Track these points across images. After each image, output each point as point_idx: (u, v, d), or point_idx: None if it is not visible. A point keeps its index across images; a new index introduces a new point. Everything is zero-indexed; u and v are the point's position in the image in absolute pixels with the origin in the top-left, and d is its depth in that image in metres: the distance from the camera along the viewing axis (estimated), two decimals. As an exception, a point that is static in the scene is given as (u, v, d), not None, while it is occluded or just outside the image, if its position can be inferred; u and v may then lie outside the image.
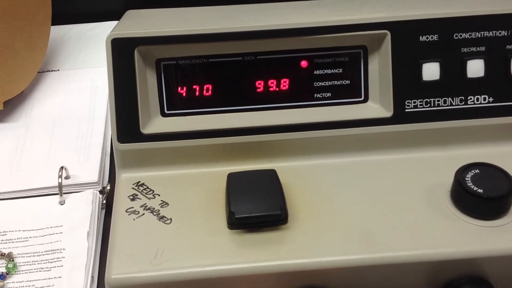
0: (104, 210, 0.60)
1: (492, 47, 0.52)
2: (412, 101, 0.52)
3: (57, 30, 0.84)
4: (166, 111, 0.53)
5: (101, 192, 0.61)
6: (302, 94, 0.54)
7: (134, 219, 0.48)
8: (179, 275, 0.44)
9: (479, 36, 0.52)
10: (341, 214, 0.48)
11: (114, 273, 0.44)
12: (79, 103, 0.73)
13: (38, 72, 0.77)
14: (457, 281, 0.46)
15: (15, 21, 0.70)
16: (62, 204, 0.60)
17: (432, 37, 0.52)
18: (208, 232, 0.47)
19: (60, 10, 0.80)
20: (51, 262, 0.54)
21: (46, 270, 0.54)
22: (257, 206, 0.46)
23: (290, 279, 0.45)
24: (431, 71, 0.52)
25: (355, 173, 0.52)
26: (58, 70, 0.79)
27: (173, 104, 0.53)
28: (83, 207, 0.59)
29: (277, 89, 0.53)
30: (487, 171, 0.48)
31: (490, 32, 0.52)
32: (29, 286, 0.53)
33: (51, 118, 0.71)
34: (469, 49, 0.52)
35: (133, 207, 0.49)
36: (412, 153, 0.53)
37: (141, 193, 0.51)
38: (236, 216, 0.46)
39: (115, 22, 0.79)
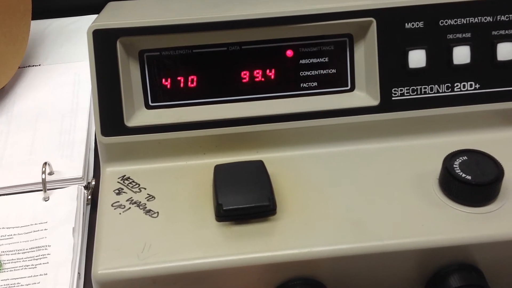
0: (89, 206, 0.60)
1: (477, 33, 0.52)
2: (399, 89, 0.52)
3: (37, 25, 0.83)
4: (150, 103, 0.53)
5: (86, 187, 0.61)
6: (288, 83, 0.53)
7: (120, 213, 0.48)
8: (167, 269, 0.44)
9: (465, 22, 0.52)
10: (330, 204, 0.48)
11: (100, 268, 0.43)
12: (61, 98, 0.72)
13: (19, 67, 0.75)
14: (447, 268, 0.46)
15: (-6, 16, 0.69)
16: (46, 201, 0.59)
17: (417, 24, 0.52)
18: (196, 224, 0.46)
19: (40, 4, 0.79)
20: (37, 259, 0.54)
21: (32, 268, 0.53)
22: (245, 197, 0.46)
23: (280, 270, 0.45)
24: (417, 58, 0.52)
25: (343, 162, 0.52)
26: (39, 65, 0.77)
27: (157, 96, 0.52)
28: (68, 203, 0.58)
29: (263, 79, 0.53)
30: (475, 157, 0.48)
31: (476, 18, 0.52)
32: (15, 284, 0.52)
33: (34, 113, 0.70)
34: (454, 36, 0.52)
35: (119, 201, 0.49)
36: (399, 141, 0.53)
37: (127, 187, 0.50)
38: (224, 208, 0.45)
39: (97, 15, 0.78)
